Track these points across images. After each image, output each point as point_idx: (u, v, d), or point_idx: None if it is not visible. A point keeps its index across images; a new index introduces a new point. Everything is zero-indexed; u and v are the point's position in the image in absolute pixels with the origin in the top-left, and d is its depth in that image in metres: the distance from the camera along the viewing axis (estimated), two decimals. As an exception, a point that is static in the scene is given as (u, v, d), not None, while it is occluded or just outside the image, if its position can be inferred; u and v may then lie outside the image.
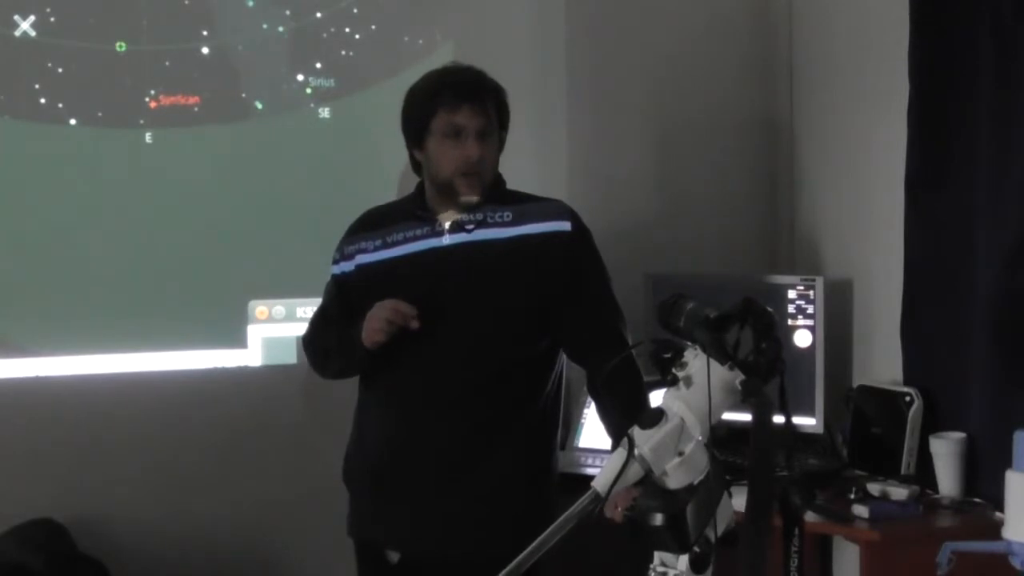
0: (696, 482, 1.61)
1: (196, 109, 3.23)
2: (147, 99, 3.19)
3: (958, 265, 2.91)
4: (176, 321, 3.22)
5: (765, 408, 1.56)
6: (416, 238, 2.60)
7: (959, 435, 2.86)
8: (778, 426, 1.60)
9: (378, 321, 2.47)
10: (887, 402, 3.01)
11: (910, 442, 2.94)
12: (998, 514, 2.45)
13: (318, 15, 3.32)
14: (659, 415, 1.61)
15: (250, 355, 3.30)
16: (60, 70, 3.13)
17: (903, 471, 2.93)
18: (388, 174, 3.11)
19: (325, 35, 3.34)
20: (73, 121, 3.14)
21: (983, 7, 2.81)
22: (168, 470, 3.20)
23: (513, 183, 2.69)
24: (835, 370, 3.25)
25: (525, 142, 3.01)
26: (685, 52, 3.59)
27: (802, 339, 3.18)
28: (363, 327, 2.50)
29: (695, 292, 1.71)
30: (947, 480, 2.86)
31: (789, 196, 3.68)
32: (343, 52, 3.35)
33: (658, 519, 1.58)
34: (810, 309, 3.18)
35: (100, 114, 3.16)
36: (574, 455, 3.22)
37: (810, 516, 1.76)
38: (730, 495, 1.64)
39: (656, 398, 1.68)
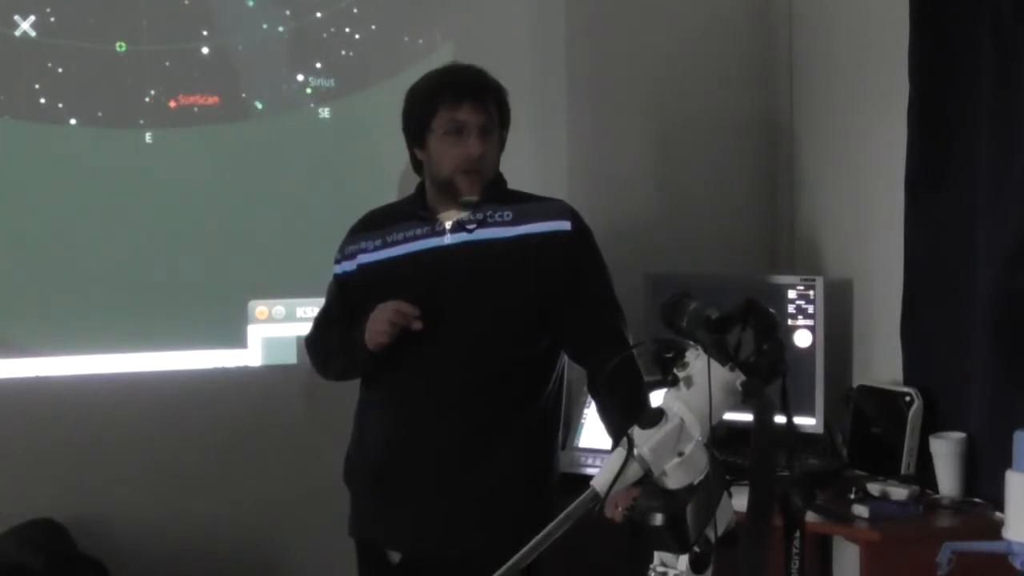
0: (696, 482, 1.61)
1: (196, 109, 3.23)
2: (147, 99, 3.19)
3: (958, 265, 2.91)
4: (176, 321, 3.22)
5: (766, 409, 1.56)
6: (417, 238, 2.61)
7: (959, 435, 2.86)
8: (779, 426, 1.60)
9: (381, 323, 2.48)
10: (887, 402, 3.01)
11: (910, 442, 2.94)
12: (998, 514, 2.45)
13: (318, 15, 3.32)
14: (659, 415, 1.61)
15: (250, 355, 3.29)
16: (60, 70, 3.13)
17: (903, 471, 2.93)
18: (388, 174, 3.11)
19: (325, 35, 3.33)
20: (73, 121, 3.14)
21: (983, 7, 2.81)
22: (168, 470, 3.19)
23: (513, 183, 2.69)
24: (835, 370, 3.25)
25: (525, 142, 3.01)
26: (685, 52, 3.59)
27: (802, 339, 3.18)
28: (365, 328, 2.51)
29: (695, 292, 1.71)
30: (947, 480, 2.86)
31: (789, 196, 3.68)
32: (343, 52, 3.35)
33: (658, 519, 1.58)
34: (810, 309, 3.18)
35: (100, 114, 3.16)
36: (574, 455, 3.21)
37: (810, 516, 1.76)
38: (730, 495, 1.64)
39: (657, 398, 1.68)
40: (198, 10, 3.24)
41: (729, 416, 1.64)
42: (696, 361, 1.62)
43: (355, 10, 3.34)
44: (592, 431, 3.20)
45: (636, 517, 1.61)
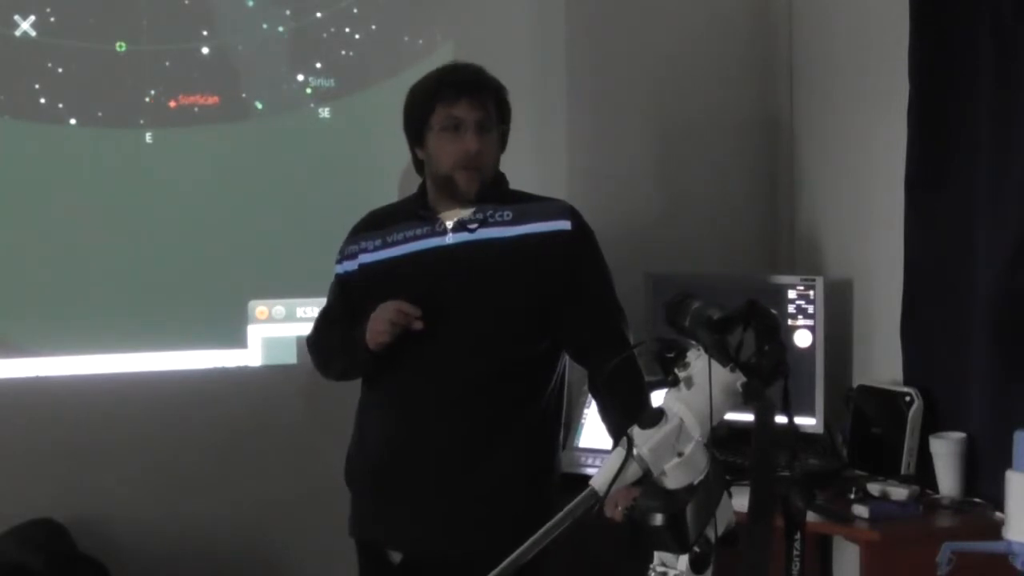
0: (696, 482, 1.60)
1: (196, 109, 3.23)
2: (147, 99, 3.19)
3: (958, 265, 2.91)
4: (176, 321, 3.22)
5: (767, 410, 1.56)
6: (418, 237, 2.61)
7: (959, 435, 2.86)
8: (780, 427, 1.60)
9: (382, 323, 2.48)
10: (887, 402, 3.01)
11: (910, 442, 2.93)
12: (998, 514, 2.45)
13: (318, 15, 3.32)
14: (659, 415, 1.61)
15: (250, 355, 3.29)
16: (60, 70, 3.13)
17: (903, 471, 2.93)
18: (388, 174, 3.11)
19: (325, 35, 3.33)
20: (73, 121, 3.14)
21: (983, 7, 2.81)
22: (168, 470, 3.20)
23: (513, 183, 2.69)
24: (835, 370, 3.25)
25: (525, 142, 3.00)
26: (685, 52, 3.59)
27: (802, 339, 3.18)
28: (366, 328, 2.51)
29: (695, 292, 1.71)
30: (947, 480, 2.86)
31: (789, 196, 3.68)
32: (343, 52, 3.35)
33: (658, 519, 1.58)
34: (810, 309, 3.18)
35: (100, 114, 3.16)
36: (574, 455, 3.21)
37: (810, 516, 1.76)
38: (730, 495, 1.64)
39: (658, 398, 1.68)
40: (198, 10, 3.24)
41: (730, 416, 1.64)
42: (697, 361, 1.62)
43: (355, 10, 3.34)
44: (592, 431, 3.20)
45: (636, 517, 1.61)
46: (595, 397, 2.66)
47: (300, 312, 3.27)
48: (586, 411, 3.26)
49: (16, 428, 3.09)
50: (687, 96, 3.60)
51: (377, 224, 2.69)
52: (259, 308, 3.30)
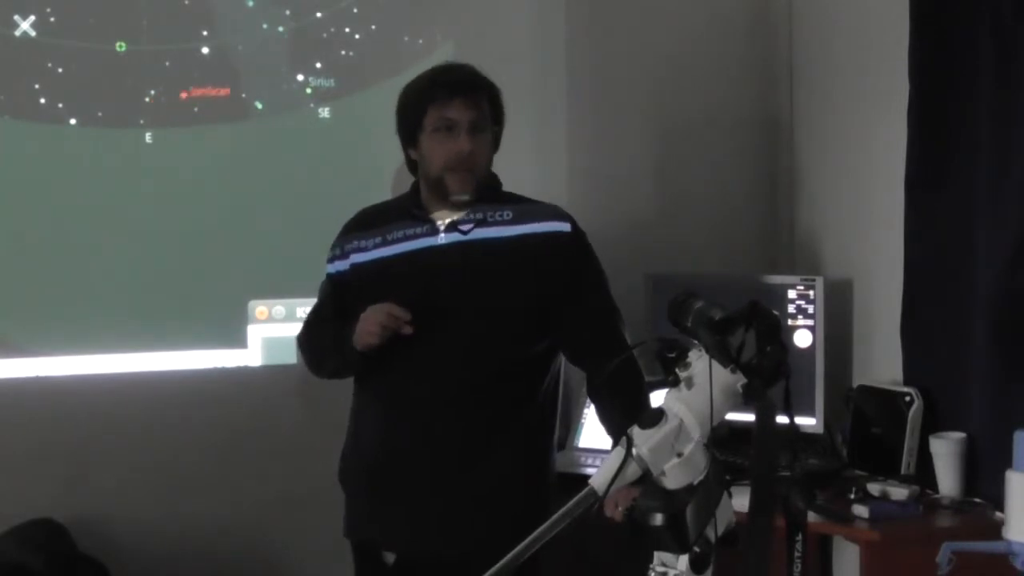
0: (695, 482, 1.60)
1: (196, 109, 3.23)
2: (147, 99, 3.19)
3: (958, 265, 2.91)
4: (176, 321, 3.22)
5: (767, 411, 1.56)
6: (412, 237, 2.59)
7: (959, 435, 2.86)
8: (781, 427, 1.60)
9: (372, 324, 2.46)
10: (887, 402, 3.01)
11: (910, 442, 2.94)
12: (998, 514, 2.45)
13: (318, 15, 3.32)
14: (659, 415, 1.61)
15: (250, 355, 3.30)
16: (60, 70, 3.13)
17: (903, 471, 2.93)
18: (388, 174, 3.12)
19: (325, 35, 3.34)
20: (73, 121, 3.14)
21: (983, 7, 2.81)
22: (168, 470, 3.19)
23: (513, 183, 2.68)
24: (835, 370, 3.25)
25: (525, 142, 3.01)
26: (685, 52, 3.59)
27: (802, 339, 3.18)
28: (356, 329, 2.50)
29: (696, 292, 1.71)
30: (947, 480, 2.86)
31: (789, 196, 3.68)
32: (343, 52, 3.35)
33: (658, 519, 1.58)
34: (810, 309, 3.18)
35: (100, 114, 3.16)
36: (574, 455, 3.21)
37: (810, 516, 1.75)
38: (730, 495, 1.64)
39: (658, 398, 1.68)
40: (198, 10, 3.24)
41: (730, 416, 1.64)
42: (698, 362, 1.62)
43: (355, 10, 3.34)
44: (592, 431, 3.20)
45: (636, 517, 1.61)
46: (594, 399, 2.64)
47: (300, 312, 3.25)
48: (586, 411, 3.26)
49: (16, 428, 3.09)
50: (687, 96, 3.60)
51: (369, 223, 2.67)
52: (259, 308, 3.30)
